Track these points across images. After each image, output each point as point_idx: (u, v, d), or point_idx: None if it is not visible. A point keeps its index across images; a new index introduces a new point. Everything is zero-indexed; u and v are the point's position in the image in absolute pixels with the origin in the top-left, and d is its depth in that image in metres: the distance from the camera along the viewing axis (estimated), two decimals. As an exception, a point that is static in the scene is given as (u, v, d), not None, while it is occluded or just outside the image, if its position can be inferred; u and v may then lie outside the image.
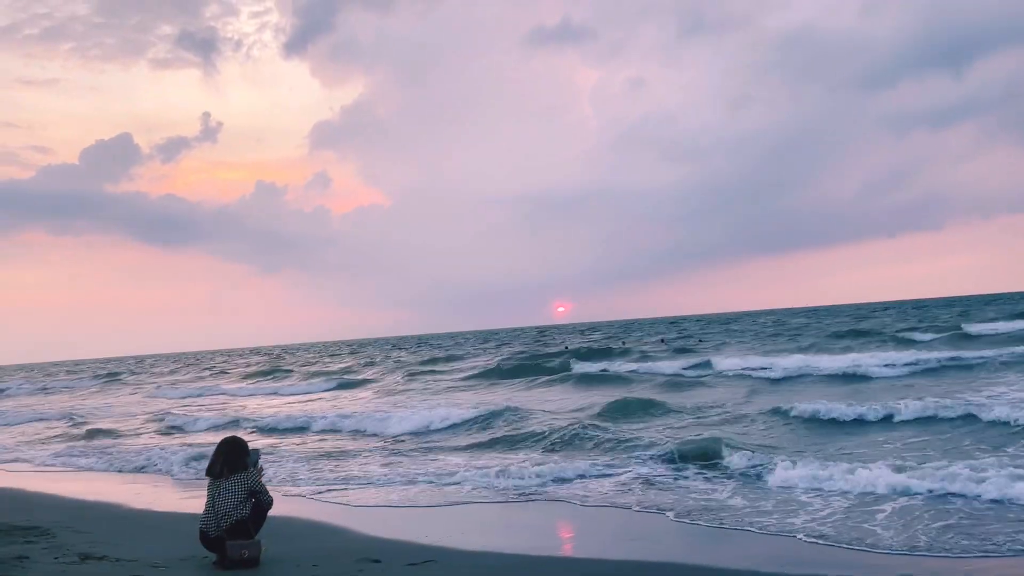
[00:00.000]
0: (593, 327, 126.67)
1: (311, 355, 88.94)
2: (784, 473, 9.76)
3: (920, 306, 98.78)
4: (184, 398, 36.15)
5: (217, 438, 8.17)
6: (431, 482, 11.33)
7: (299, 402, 29.62)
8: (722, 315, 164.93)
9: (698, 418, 16.14)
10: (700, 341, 49.11)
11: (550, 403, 21.42)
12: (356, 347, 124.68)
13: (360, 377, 39.24)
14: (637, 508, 8.94)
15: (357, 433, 18.01)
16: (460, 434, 16.56)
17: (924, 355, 24.51)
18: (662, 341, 51.90)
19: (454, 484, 11.04)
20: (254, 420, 21.82)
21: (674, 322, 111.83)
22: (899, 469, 9.23)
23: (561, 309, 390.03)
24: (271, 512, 7.34)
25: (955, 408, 13.24)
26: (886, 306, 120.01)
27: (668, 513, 8.58)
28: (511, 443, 14.38)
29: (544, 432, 14.66)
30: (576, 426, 14.66)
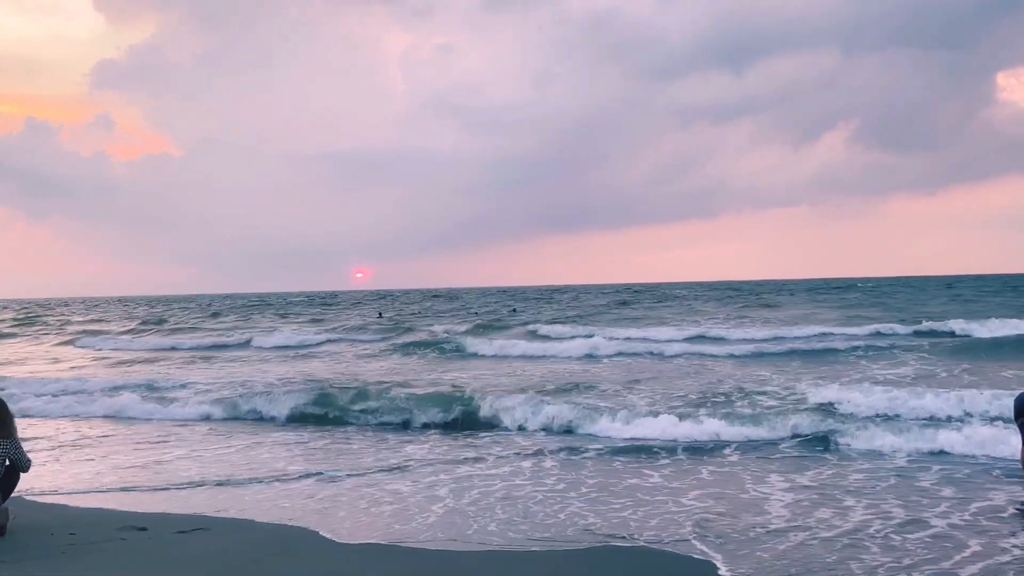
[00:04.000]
0: (386, 295, 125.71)
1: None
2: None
3: (680, 287, 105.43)
4: None
5: None
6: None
7: None
8: (515, 289, 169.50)
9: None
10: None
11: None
12: (135, 304, 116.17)
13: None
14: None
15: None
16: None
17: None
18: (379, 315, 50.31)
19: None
20: None
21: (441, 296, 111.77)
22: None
23: (360, 275, 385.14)
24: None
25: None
26: (652, 287, 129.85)
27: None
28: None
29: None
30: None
